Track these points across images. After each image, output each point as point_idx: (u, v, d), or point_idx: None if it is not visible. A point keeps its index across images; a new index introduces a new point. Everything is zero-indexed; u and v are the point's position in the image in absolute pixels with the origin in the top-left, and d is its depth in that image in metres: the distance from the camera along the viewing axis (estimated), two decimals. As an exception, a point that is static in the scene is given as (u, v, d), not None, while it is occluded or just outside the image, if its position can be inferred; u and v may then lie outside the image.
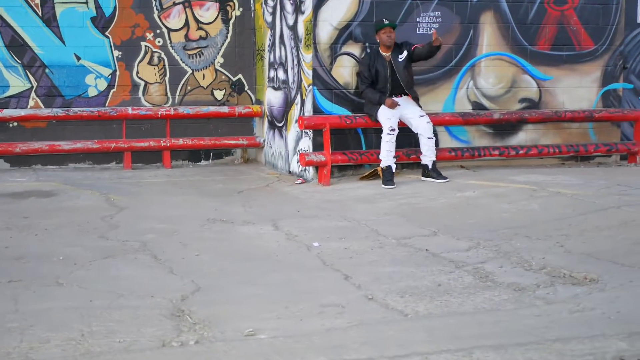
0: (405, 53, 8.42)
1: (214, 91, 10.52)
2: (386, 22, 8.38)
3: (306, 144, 8.88)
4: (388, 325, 4.02)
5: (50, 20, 9.91)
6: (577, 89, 9.63)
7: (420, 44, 8.43)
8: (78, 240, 6.07)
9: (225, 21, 10.47)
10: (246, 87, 10.63)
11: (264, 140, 10.35)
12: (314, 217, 6.93)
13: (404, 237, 6.08)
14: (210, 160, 10.56)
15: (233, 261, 5.47)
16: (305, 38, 8.83)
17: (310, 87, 8.71)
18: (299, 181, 8.80)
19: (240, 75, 10.60)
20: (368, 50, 8.71)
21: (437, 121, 8.79)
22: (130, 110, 9.96)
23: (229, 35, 10.49)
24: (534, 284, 4.77)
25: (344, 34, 8.74)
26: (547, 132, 9.52)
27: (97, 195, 8.07)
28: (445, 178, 8.27)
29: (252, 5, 10.50)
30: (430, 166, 8.38)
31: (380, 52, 8.46)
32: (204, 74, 10.46)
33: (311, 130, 8.69)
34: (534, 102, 9.49)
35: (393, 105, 8.30)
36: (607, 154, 9.63)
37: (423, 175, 8.45)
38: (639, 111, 9.74)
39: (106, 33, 10.08)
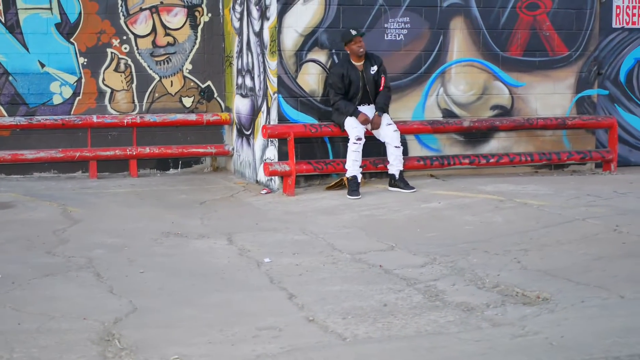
0: (375, 67, 8.23)
1: (183, 98, 10.30)
2: (354, 32, 8.11)
3: (272, 152, 8.68)
4: (321, 351, 3.83)
5: (13, 27, 9.69)
6: (550, 96, 9.43)
7: (383, 78, 8.24)
8: (23, 257, 5.88)
9: (194, 27, 10.25)
10: (215, 94, 10.41)
11: (233, 149, 10.14)
12: (271, 231, 6.73)
13: (360, 252, 5.89)
14: (179, 169, 10.35)
15: (177, 279, 5.28)
16: (270, 45, 8.63)
17: (276, 94, 8.51)
18: (265, 191, 8.60)
19: (209, 82, 10.38)
20: (336, 59, 8.52)
21: (406, 129, 8.60)
22: (95, 119, 9.74)
23: (198, 41, 10.28)
24: (484, 304, 4.59)
25: (310, 41, 8.54)
26: (519, 140, 9.32)
27: (54, 206, 7.86)
28: (413, 188, 8.08)
29: (221, 11, 10.29)
30: (397, 176, 8.19)
31: (352, 61, 8.22)
32: (172, 81, 10.24)
33: (276, 139, 8.49)
34: (506, 109, 9.29)
35: (366, 122, 8.12)
36: (581, 162, 9.42)
37: (390, 185, 8.26)
38: (614, 118, 9.54)
39: (71, 39, 9.86)
